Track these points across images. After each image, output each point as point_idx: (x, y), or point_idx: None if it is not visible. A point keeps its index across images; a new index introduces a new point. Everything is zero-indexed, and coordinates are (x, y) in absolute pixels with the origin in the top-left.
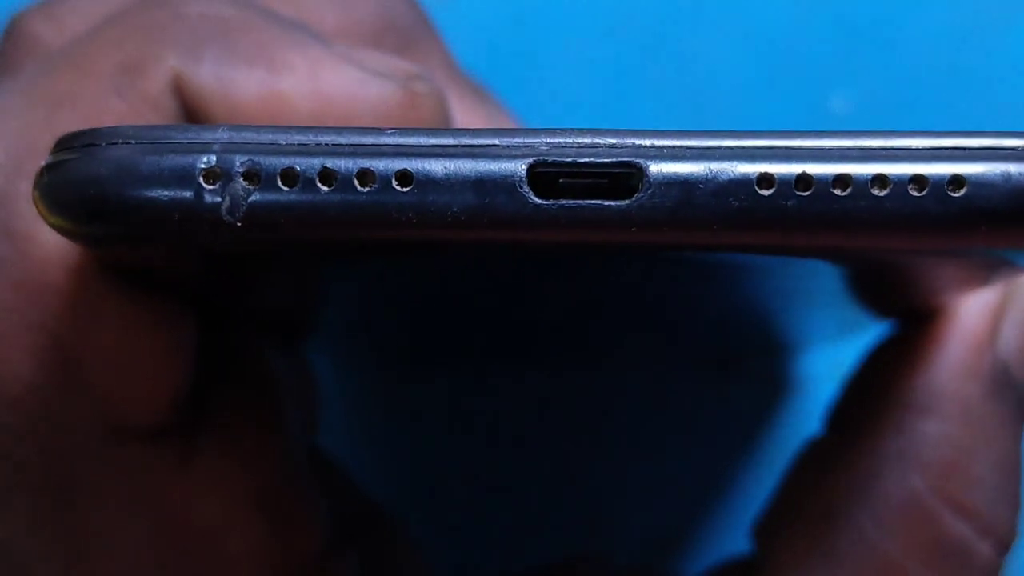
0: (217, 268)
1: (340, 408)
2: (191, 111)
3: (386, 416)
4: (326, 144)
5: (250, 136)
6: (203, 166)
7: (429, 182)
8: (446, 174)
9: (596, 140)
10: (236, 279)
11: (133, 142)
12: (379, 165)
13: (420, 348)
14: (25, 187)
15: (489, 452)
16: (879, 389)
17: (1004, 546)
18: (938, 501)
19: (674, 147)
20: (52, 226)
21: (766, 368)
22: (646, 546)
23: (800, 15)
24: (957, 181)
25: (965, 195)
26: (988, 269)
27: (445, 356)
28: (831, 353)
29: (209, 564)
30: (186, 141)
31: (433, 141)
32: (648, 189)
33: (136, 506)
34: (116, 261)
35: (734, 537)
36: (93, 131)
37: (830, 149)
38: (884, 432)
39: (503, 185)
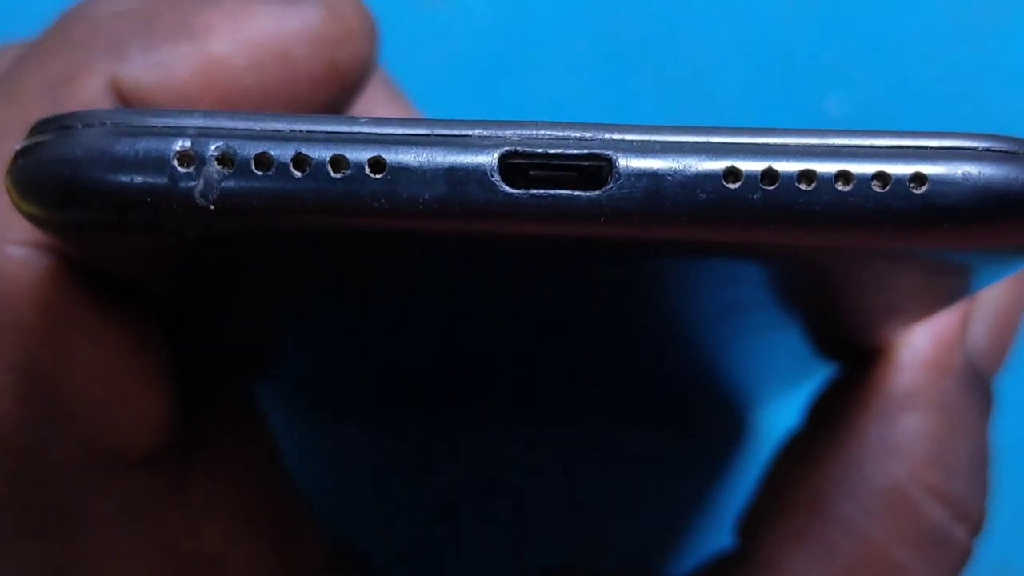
0: (190, 269)
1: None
2: (138, 106)
3: (332, 462)
4: (300, 131)
5: (225, 121)
6: (177, 150)
7: (402, 170)
8: (419, 163)
9: (568, 133)
10: (205, 290)
11: (108, 123)
12: (352, 152)
13: (384, 392)
14: None
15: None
16: (859, 386)
17: (976, 529)
18: (919, 490)
19: (643, 141)
20: (25, 214)
21: (725, 422)
22: None
23: (796, 17)
24: (919, 178)
25: (927, 192)
26: (949, 284)
27: (415, 404)
28: None
29: None
30: (161, 125)
31: (407, 131)
32: (617, 180)
33: (136, 536)
34: (89, 258)
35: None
36: (70, 114)
37: (796, 146)
38: (867, 426)
39: (474, 174)
